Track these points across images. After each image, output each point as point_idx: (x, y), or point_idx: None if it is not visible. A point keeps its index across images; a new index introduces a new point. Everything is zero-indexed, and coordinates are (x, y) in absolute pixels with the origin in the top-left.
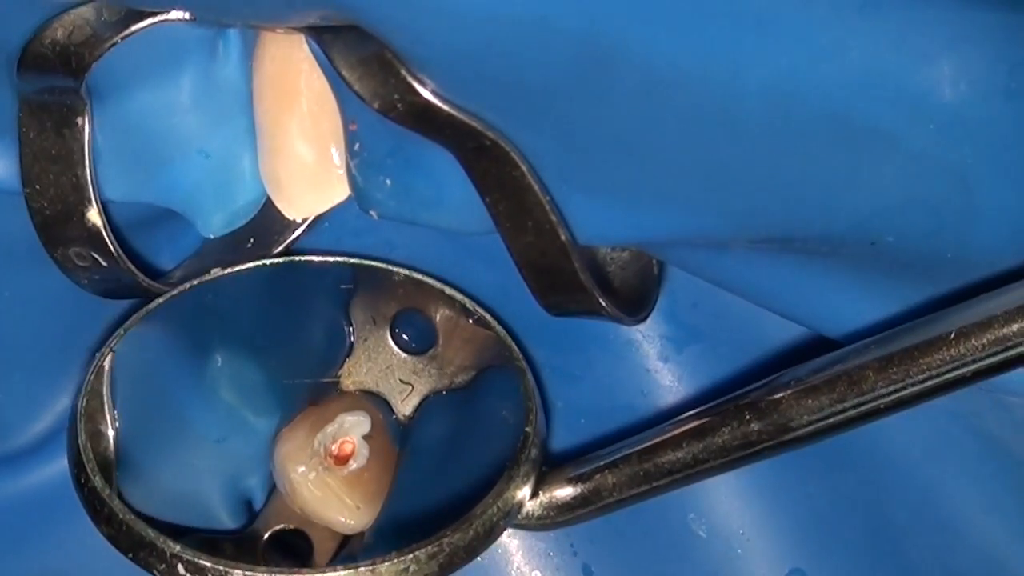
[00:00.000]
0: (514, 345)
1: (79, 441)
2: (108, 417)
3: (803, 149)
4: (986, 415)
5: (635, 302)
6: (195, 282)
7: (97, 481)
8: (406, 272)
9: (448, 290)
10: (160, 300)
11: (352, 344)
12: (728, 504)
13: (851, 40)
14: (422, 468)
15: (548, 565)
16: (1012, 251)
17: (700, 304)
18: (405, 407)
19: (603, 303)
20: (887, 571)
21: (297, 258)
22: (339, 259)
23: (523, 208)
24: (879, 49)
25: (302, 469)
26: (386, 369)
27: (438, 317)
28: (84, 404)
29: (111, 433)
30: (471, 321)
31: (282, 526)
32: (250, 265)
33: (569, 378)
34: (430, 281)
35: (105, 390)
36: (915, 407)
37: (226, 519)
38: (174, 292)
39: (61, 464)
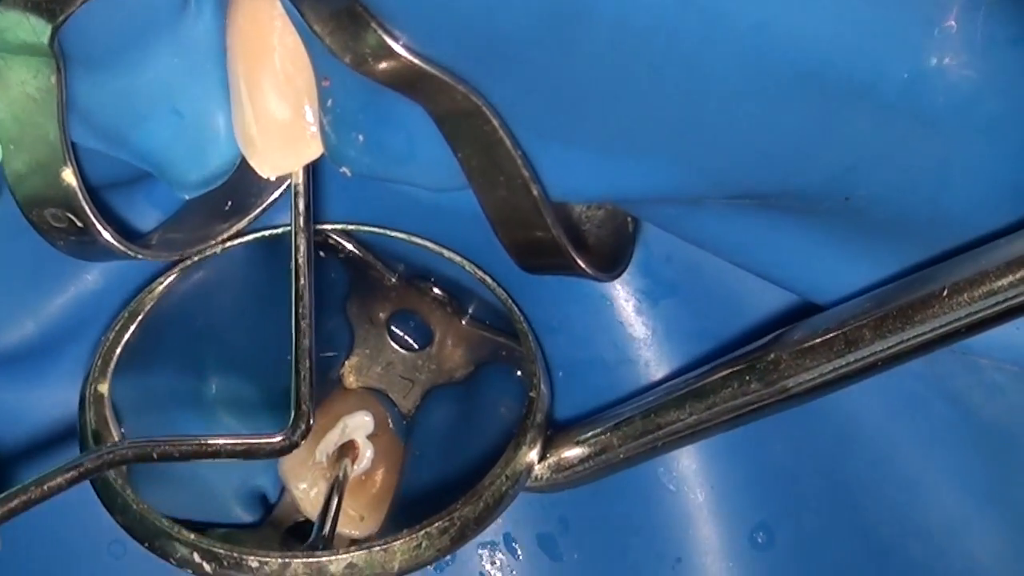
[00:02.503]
0: (516, 308)
1: (89, 430)
2: (115, 434)
3: (775, 101)
4: (956, 378)
5: (610, 259)
6: (193, 259)
7: (109, 472)
8: (404, 237)
9: (448, 253)
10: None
11: (352, 343)
12: (697, 460)
13: None
14: (428, 460)
15: (528, 516)
16: (985, 209)
17: (674, 258)
18: (407, 402)
19: (577, 260)
20: (847, 526)
21: (283, 228)
22: (336, 226)
23: (495, 163)
24: None
25: (303, 486)
26: (387, 366)
27: (432, 316)
28: (92, 391)
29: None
30: (466, 318)
31: (300, 518)
32: (250, 238)
33: (547, 330)
34: (430, 245)
35: (108, 412)
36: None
37: (242, 514)
38: (169, 278)
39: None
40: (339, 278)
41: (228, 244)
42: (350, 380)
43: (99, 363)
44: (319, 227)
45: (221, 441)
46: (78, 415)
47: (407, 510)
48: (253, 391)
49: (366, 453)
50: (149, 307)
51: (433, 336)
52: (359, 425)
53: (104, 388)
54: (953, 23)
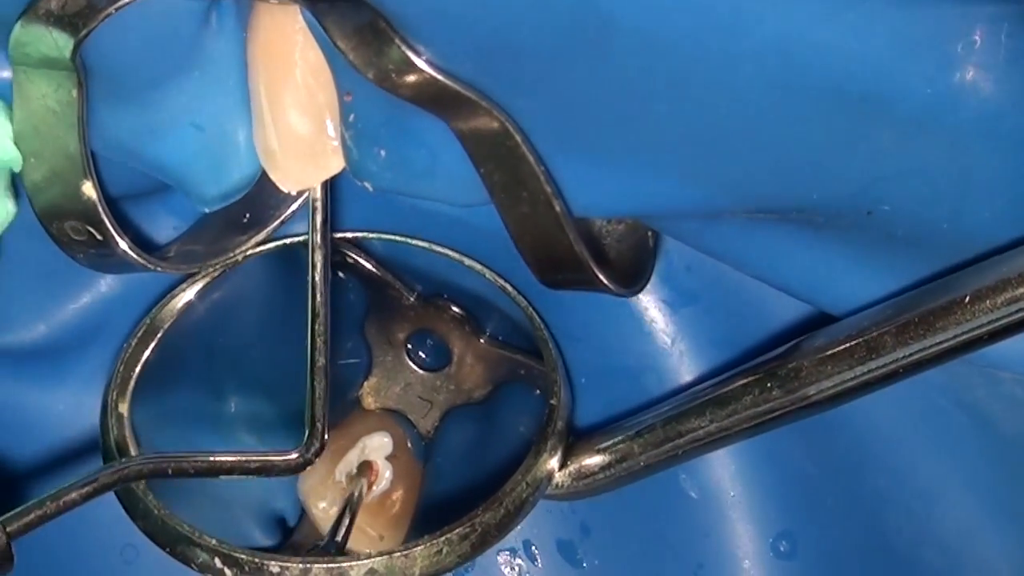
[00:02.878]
0: (537, 316)
1: (111, 436)
2: (134, 452)
3: (799, 115)
4: (977, 390)
5: (631, 274)
6: (211, 273)
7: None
8: (425, 245)
9: (468, 261)
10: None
11: (370, 365)
12: (719, 467)
13: (847, 4)
14: (447, 480)
15: (547, 522)
16: (1007, 222)
17: (695, 268)
18: (426, 422)
19: (599, 275)
20: (866, 535)
21: (303, 237)
22: (357, 234)
23: (518, 179)
24: (875, 12)
25: (323, 505)
26: (405, 387)
27: (450, 336)
28: (115, 397)
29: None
30: (484, 337)
31: (320, 542)
32: (270, 246)
33: (569, 339)
34: (451, 253)
35: (127, 431)
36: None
37: (261, 538)
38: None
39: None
40: (357, 298)
41: (245, 257)
42: (369, 401)
43: (118, 380)
44: (337, 235)
45: (235, 458)
46: (100, 432)
47: (426, 530)
48: (271, 408)
49: (385, 474)
50: (168, 323)
51: (452, 356)
52: (378, 446)
53: (124, 407)
54: (976, 38)
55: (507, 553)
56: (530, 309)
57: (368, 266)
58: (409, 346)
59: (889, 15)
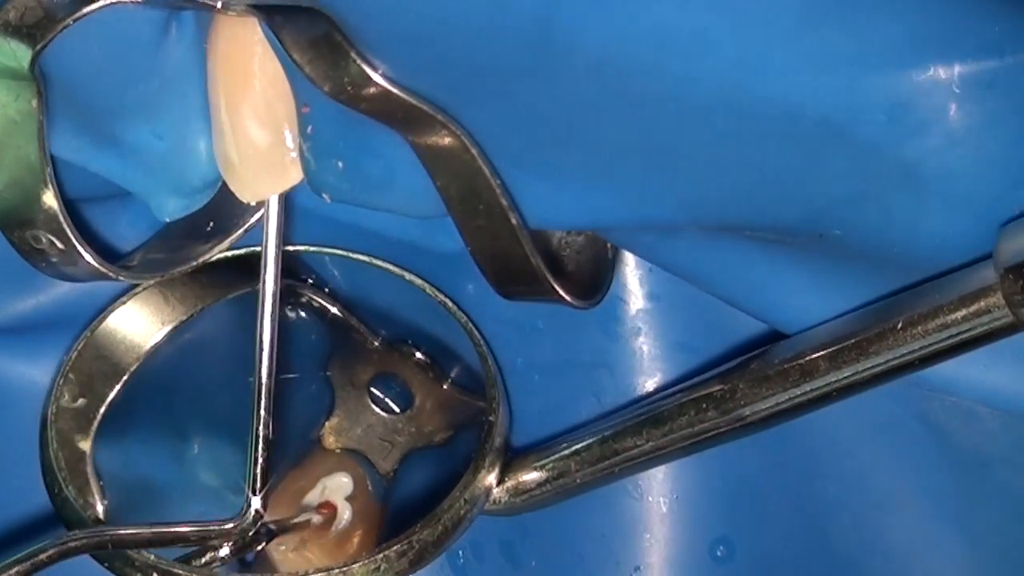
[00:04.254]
0: (476, 331)
1: (51, 450)
2: (96, 495)
3: (753, 139)
4: (934, 401)
5: (589, 286)
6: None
7: (70, 491)
8: (366, 260)
9: (408, 276)
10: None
11: (332, 405)
12: (662, 469)
13: (803, 29)
14: (406, 520)
15: (487, 527)
16: (960, 249)
17: (656, 268)
18: (387, 464)
19: (555, 287)
20: (809, 543)
21: (251, 249)
22: (309, 248)
23: (474, 192)
24: (831, 38)
25: (283, 547)
26: (366, 428)
27: (413, 381)
28: (54, 411)
29: (100, 508)
30: (447, 383)
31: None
32: (225, 256)
33: (531, 329)
34: (390, 267)
35: (89, 471)
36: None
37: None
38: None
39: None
40: (321, 340)
41: (212, 300)
42: (330, 441)
43: (55, 408)
44: (289, 248)
45: (177, 529)
46: (43, 478)
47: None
48: (235, 451)
49: (344, 514)
50: (133, 367)
51: (413, 400)
52: (338, 486)
53: (86, 445)
54: (930, 67)
55: (451, 552)
56: (470, 325)
57: (333, 310)
58: (372, 389)
59: (845, 42)
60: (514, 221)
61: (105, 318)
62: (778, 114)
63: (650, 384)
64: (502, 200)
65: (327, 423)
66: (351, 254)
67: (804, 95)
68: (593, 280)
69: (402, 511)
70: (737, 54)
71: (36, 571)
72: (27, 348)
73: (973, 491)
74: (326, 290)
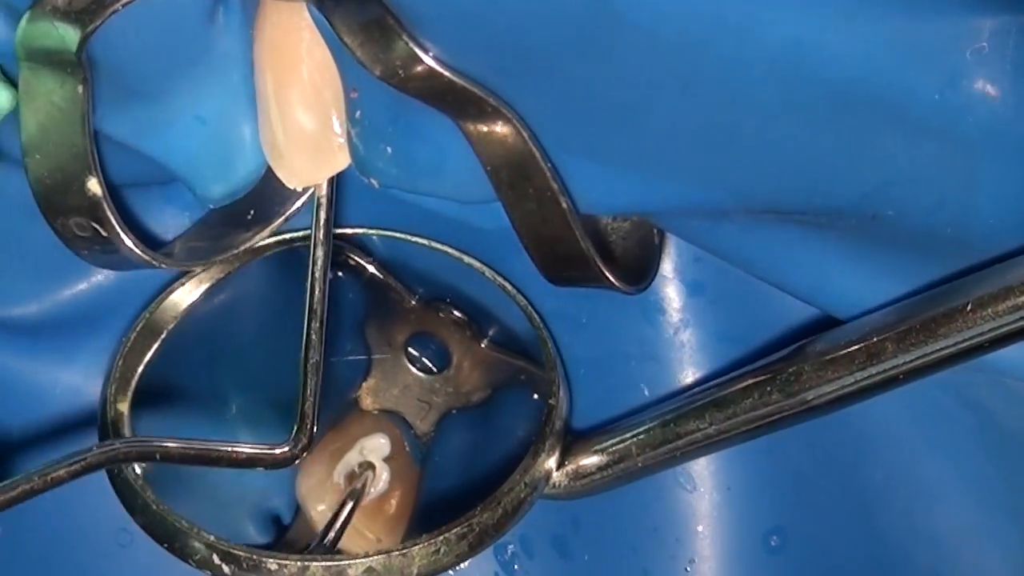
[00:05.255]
0: (536, 315)
1: (108, 422)
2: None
3: (806, 119)
4: (979, 387)
5: (636, 271)
6: (213, 273)
7: (129, 472)
8: (425, 242)
9: (467, 259)
10: (182, 293)
11: (369, 365)
12: (714, 461)
13: (860, 8)
14: (444, 483)
15: (542, 517)
16: (1011, 230)
17: (703, 258)
18: (424, 425)
19: (605, 272)
20: (859, 532)
21: (302, 233)
22: (359, 231)
23: (524, 176)
24: (885, 19)
25: (322, 507)
26: (403, 389)
27: (450, 340)
28: (113, 391)
29: (137, 469)
30: (484, 341)
31: (313, 542)
32: (271, 241)
33: (574, 323)
34: (450, 251)
35: (127, 433)
36: None
37: (255, 535)
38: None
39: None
40: (358, 300)
41: (248, 252)
42: (367, 402)
43: (117, 378)
44: (339, 231)
45: (225, 448)
46: (99, 430)
47: (422, 532)
48: (271, 406)
49: (382, 475)
50: (170, 321)
51: (451, 359)
52: (376, 447)
53: (124, 405)
54: (985, 44)
55: (502, 546)
56: (529, 308)
57: (370, 268)
58: (409, 348)
59: (899, 22)
60: (564, 205)
61: (164, 299)
62: (830, 94)
63: (697, 375)
64: (553, 184)
65: (364, 384)
66: (408, 237)
67: (857, 74)
68: (640, 265)
69: (440, 472)
70: (789, 34)
71: (86, 472)
72: (59, 344)
73: (1021, 478)
74: (363, 249)
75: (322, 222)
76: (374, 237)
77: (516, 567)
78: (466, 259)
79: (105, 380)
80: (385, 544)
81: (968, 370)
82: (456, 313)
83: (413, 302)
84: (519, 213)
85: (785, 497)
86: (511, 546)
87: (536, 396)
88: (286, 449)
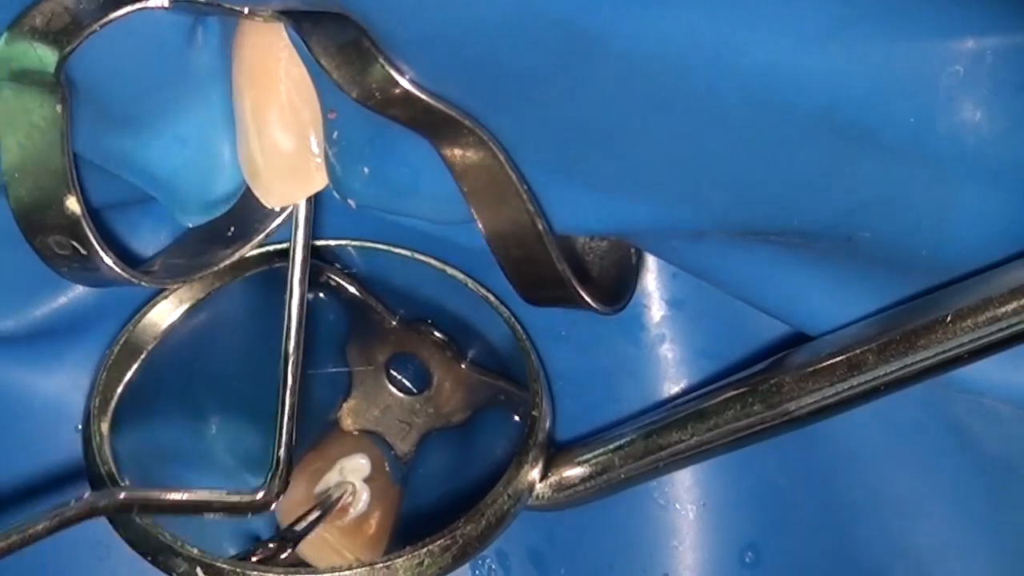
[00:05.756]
0: (519, 326)
1: (94, 443)
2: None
3: (782, 142)
4: (957, 404)
5: (613, 291)
6: (194, 293)
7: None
8: (407, 254)
9: (450, 271)
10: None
11: (350, 386)
12: (689, 476)
13: (835, 32)
14: (424, 503)
15: (515, 529)
16: (986, 252)
17: (681, 274)
18: (404, 445)
19: (580, 293)
20: (836, 548)
21: (282, 245)
22: (340, 242)
23: (500, 197)
24: (860, 42)
25: (300, 527)
26: (384, 409)
27: (431, 360)
28: (97, 404)
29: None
30: (465, 362)
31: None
32: (253, 254)
33: (552, 337)
34: (433, 262)
35: (108, 452)
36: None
37: (234, 552)
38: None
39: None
40: (339, 320)
41: (229, 274)
42: (347, 422)
43: (100, 391)
44: (321, 243)
45: (202, 497)
46: (83, 452)
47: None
48: (252, 430)
49: (362, 496)
50: (152, 345)
51: (432, 380)
52: (355, 468)
53: (105, 424)
54: (959, 68)
55: (479, 561)
56: (512, 320)
57: (351, 289)
58: (390, 369)
59: (873, 47)
60: (540, 227)
61: (144, 315)
62: (805, 118)
63: (676, 391)
64: (529, 206)
65: (345, 404)
66: (391, 248)
67: (832, 99)
68: (617, 285)
69: (420, 493)
70: (764, 59)
71: (63, 527)
72: (40, 357)
73: (999, 495)
74: (344, 270)
75: (299, 244)
76: (353, 250)
77: None
78: (449, 270)
79: (88, 395)
80: None
81: (946, 388)
82: (437, 333)
83: (394, 322)
84: (495, 234)
85: (760, 513)
86: (488, 560)
87: (517, 417)
88: (260, 495)
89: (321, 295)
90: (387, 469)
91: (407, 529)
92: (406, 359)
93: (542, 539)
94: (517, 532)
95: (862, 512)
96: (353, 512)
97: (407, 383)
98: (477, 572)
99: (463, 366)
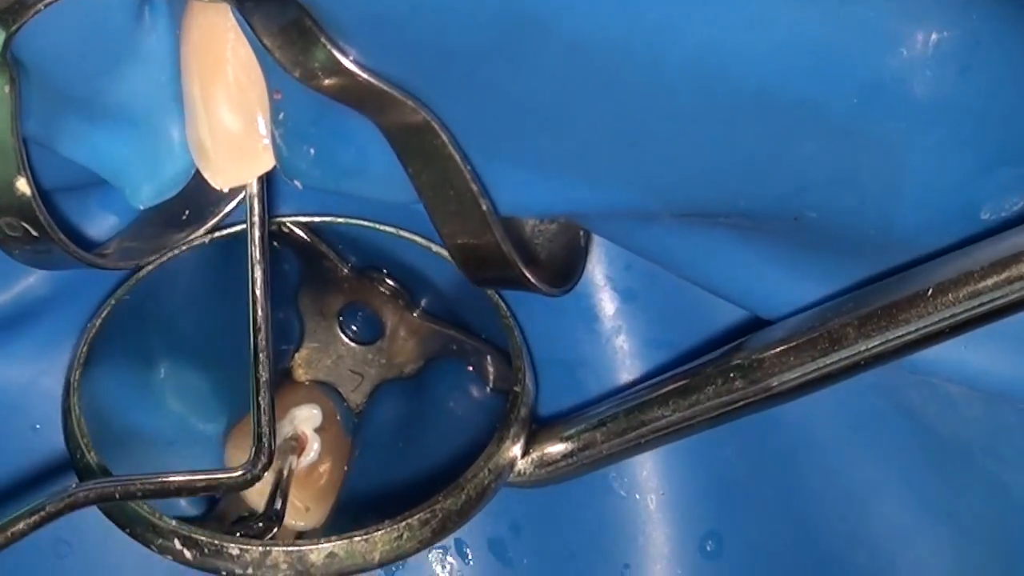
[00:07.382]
0: (502, 302)
1: (73, 416)
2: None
3: (725, 122)
4: (912, 390)
5: (561, 274)
6: (150, 266)
7: (92, 457)
8: (372, 226)
9: (435, 248)
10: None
11: (302, 336)
12: (649, 466)
13: (778, 10)
14: (376, 455)
15: (479, 521)
16: (936, 231)
17: (634, 265)
18: (357, 396)
19: (526, 274)
20: (796, 536)
21: (243, 226)
22: (304, 219)
23: (444, 178)
24: (806, 19)
25: None
26: (336, 359)
27: (383, 310)
28: (77, 377)
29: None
30: (418, 311)
31: (244, 512)
32: (206, 239)
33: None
34: (409, 235)
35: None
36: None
37: (186, 507)
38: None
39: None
40: (291, 269)
41: (186, 246)
42: (299, 373)
43: (78, 374)
44: (280, 219)
45: (183, 478)
46: (63, 423)
47: (353, 502)
48: (203, 380)
49: (313, 446)
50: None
51: (384, 329)
52: (307, 418)
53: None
54: (903, 49)
55: (439, 551)
56: (496, 296)
57: (303, 236)
58: (341, 318)
59: (818, 23)
60: (484, 208)
61: (128, 291)
62: (748, 97)
63: (631, 380)
64: (472, 186)
65: (297, 354)
66: (354, 221)
67: (775, 78)
68: (566, 268)
69: (371, 443)
70: (706, 36)
71: (45, 522)
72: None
73: (955, 480)
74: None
75: (256, 221)
76: (323, 223)
77: (455, 571)
78: (434, 248)
79: (68, 367)
80: (314, 512)
81: (901, 372)
82: (389, 282)
83: (346, 271)
84: (440, 214)
85: (720, 502)
86: (449, 550)
87: (470, 368)
88: (243, 472)
89: (274, 243)
90: (339, 419)
91: (357, 479)
92: (358, 308)
93: (503, 529)
94: (479, 522)
95: (820, 500)
96: (304, 461)
97: (359, 333)
98: (436, 565)
99: (415, 315)
